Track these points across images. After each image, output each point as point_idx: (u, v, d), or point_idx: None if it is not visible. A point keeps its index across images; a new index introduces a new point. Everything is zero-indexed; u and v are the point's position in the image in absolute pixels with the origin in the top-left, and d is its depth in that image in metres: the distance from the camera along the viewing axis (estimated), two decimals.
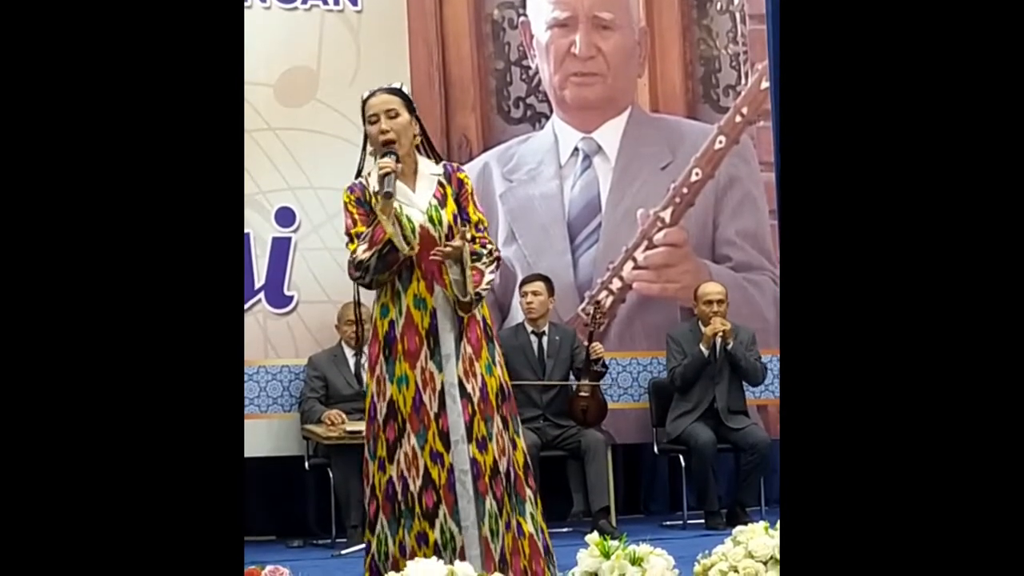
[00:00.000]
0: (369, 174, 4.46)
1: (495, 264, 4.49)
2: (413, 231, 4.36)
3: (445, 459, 4.31)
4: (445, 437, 4.32)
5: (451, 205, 4.45)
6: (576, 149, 8.49)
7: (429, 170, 4.51)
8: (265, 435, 7.64)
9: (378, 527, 4.36)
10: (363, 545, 6.93)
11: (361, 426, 7.23)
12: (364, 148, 4.52)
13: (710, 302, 7.92)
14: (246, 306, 7.61)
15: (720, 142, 8.59)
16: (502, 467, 4.37)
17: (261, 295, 7.71)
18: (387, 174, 4.32)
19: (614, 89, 8.53)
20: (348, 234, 4.44)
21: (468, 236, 4.43)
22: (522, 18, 8.43)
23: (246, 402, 7.56)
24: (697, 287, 8.08)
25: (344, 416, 7.33)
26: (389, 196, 4.31)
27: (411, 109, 4.50)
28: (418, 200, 4.43)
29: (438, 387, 4.34)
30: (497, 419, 4.39)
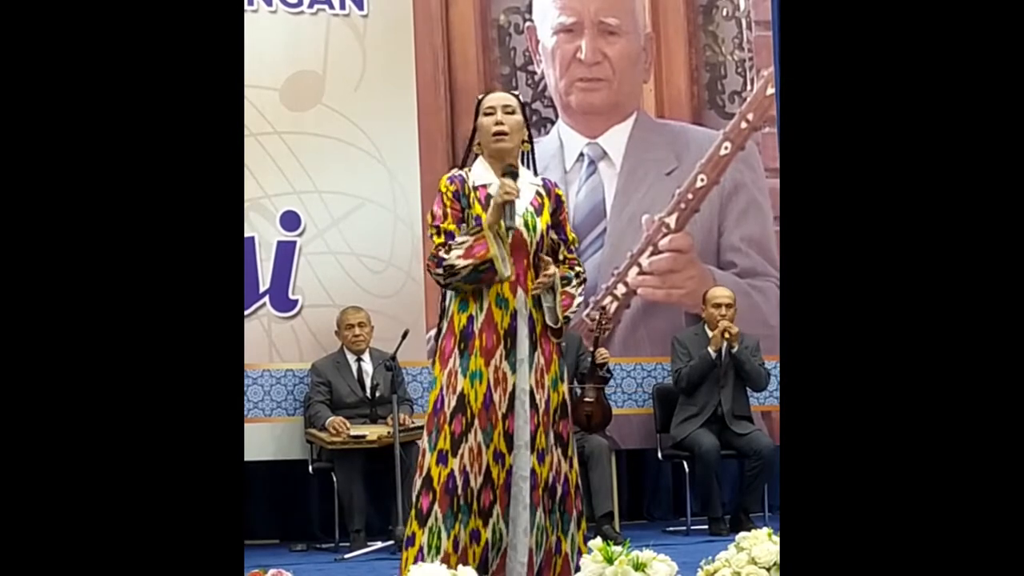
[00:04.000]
0: (469, 169, 4.52)
1: (583, 285, 4.60)
2: (508, 231, 4.39)
3: (507, 460, 4.35)
4: (510, 439, 4.36)
5: (546, 216, 4.51)
6: (581, 154, 8.49)
7: (530, 178, 4.56)
8: (269, 439, 7.64)
9: (431, 520, 4.34)
10: (368, 549, 7.00)
11: (365, 430, 7.31)
12: (472, 141, 4.58)
13: (718, 305, 7.92)
14: (251, 310, 7.61)
15: (725, 148, 8.59)
16: (550, 481, 4.41)
17: (266, 299, 7.71)
18: (508, 202, 4.37)
19: (620, 95, 8.53)
20: (435, 225, 4.46)
21: (560, 256, 4.53)
22: (528, 23, 8.44)
23: (250, 406, 7.57)
24: (705, 291, 8.08)
25: (347, 424, 7.33)
26: (511, 230, 4.37)
27: (524, 114, 4.57)
28: (516, 202, 4.44)
29: (509, 388, 4.38)
30: (552, 434, 4.42)
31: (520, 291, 4.43)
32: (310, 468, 7.61)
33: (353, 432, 7.29)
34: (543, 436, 4.38)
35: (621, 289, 8.40)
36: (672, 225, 8.47)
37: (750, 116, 8.65)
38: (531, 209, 4.48)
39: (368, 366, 7.61)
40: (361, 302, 7.69)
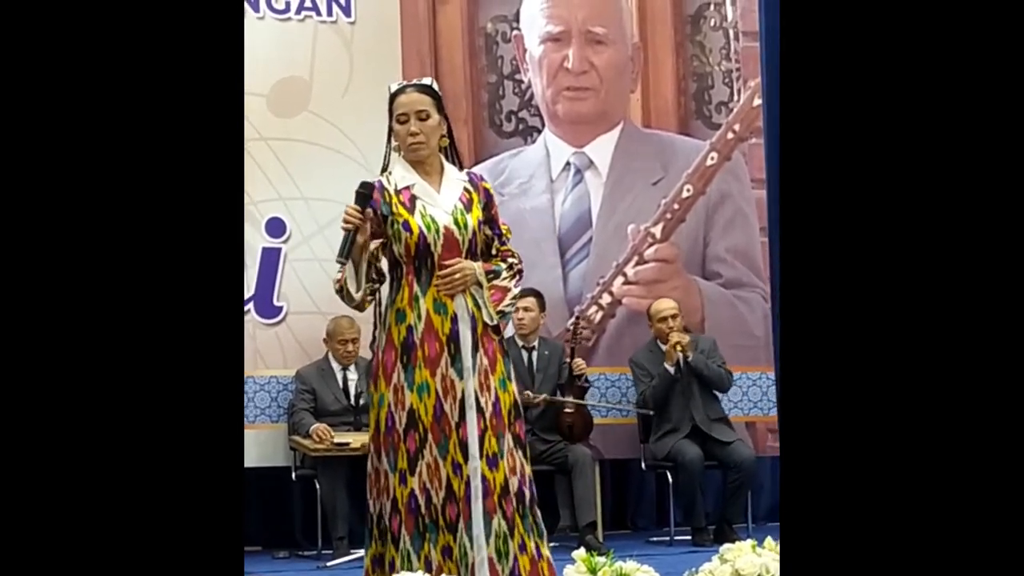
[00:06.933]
0: (390, 172, 4.34)
1: (518, 276, 4.39)
2: (437, 232, 4.23)
3: (464, 471, 4.17)
4: (465, 448, 4.17)
5: (476, 211, 4.32)
6: (568, 163, 8.49)
7: (454, 173, 4.38)
8: (252, 445, 7.59)
9: (402, 543, 4.20)
10: (352, 557, 6.97)
11: (349, 438, 7.29)
12: (389, 143, 4.38)
13: (664, 319, 7.91)
14: None
15: (712, 159, 8.59)
16: (513, 486, 4.22)
17: (250, 305, 7.68)
18: (347, 231, 4.20)
19: (606, 104, 8.53)
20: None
21: (493, 250, 4.37)
22: (515, 32, 8.43)
23: None
24: (649, 306, 8.07)
25: (331, 431, 7.32)
26: (343, 263, 4.21)
27: (440, 108, 4.36)
28: (442, 201, 4.30)
29: (458, 396, 4.20)
30: (509, 436, 4.24)
31: (459, 294, 4.24)
32: (293, 475, 7.60)
33: (337, 440, 7.27)
34: (492, 440, 4.20)
35: (606, 299, 8.39)
36: (658, 235, 8.47)
37: (737, 127, 8.65)
38: (460, 206, 4.30)
39: (353, 374, 7.60)
40: (345, 310, 7.64)
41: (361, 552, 6.98)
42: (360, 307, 4.35)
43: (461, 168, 4.45)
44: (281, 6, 7.91)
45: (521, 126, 8.42)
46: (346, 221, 4.22)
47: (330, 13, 8.00)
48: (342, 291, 4.29)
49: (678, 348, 7.78)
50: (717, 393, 7.99)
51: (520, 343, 7.80)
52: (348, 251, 4.22)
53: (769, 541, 3.85)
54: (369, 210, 4.26)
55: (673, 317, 7.90)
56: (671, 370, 7.83)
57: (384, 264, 4.34)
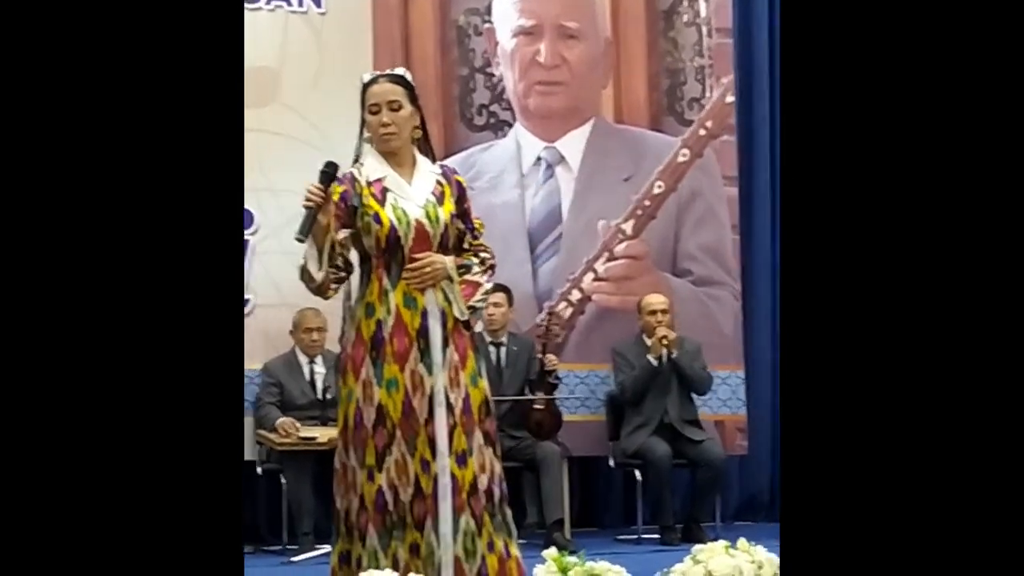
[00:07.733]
0: (362, 164, 4.27)
1: (490, 271, 4.35)
2: (408, 225, 4.17)
3: (432, 468, 4.11)
4: (433, 445, 4.11)
5: (448, 205, 4.25)
6: (538, 158, 8.46)
7: (427, 166, 4.32)
8: None
9: (368, 540, 4.15)
10: (317, 552, 6.93)
11: (315, 432, 7.23)
12: (360, 134, 4.31)
13: (654, 312, 7.90)
14: None
15: (683, 155, 8.56)
16: (482, 484, 4.17)
17: None
18: (309, 209, 4.14)
19: (578, 99, 8.50)
20: None
21: (466, 244, 4.31)
22: (487, 25, 8.39)
23: None
24: (640, 299, 8.05)
25: (297, 424, 7.26)
26: (302, 241, 4.16)
27: (413, 99, 4.29)
28: (414, 193, 4.24)
29: (427, 392, 4.14)
30: (478, 434, 4.19)
31: (429, 289, 4.18)
32: (259, 469, 7.54)
33: (303, 434, 7.23)
34: (462, 437, 4.14)
35: (576, 295, 8.36)
36: (628, 231, 8.44)
37: (709, 123, 8.63)
38: (432, 199, 4.24)
39: (320, 367, 7.55)
40: (313, 302, 7.59)
41: (327, 547, 6.98)
42: (321, 291, 4.26)
43: (434, 161, 4.39)
44: None
45: (492, 120, 8.38)
46: (308, 200, 4.15)
47: (300, 3, 7.95)
48: (304, 273, 4.22)
49: (664, 342, 7.76)
50: (703, 400, 7.98)
51: (489, 339, 7.76)
52: (308, 229, 4.14)
53: (742, 542, 3.82)
54: (331, 189, 4.18)
55: (663, 312, 7.89)
56: (654, 362, 7.81)
57: (353, 256, 4.29)
